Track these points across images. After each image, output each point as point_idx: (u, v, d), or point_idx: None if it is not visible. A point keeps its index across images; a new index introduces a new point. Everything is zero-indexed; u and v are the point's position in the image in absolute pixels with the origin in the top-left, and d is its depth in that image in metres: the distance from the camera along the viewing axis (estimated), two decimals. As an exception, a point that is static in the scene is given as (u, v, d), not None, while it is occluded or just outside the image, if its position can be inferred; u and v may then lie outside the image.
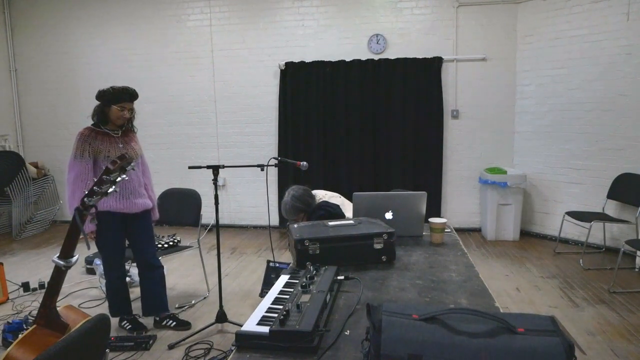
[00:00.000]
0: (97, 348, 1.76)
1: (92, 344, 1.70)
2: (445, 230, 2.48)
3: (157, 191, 3.64)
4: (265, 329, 1.29)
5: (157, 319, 3.42)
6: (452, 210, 5.95)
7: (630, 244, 3.88)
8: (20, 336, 1.87)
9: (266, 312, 1.42)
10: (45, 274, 4.45)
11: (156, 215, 3.41)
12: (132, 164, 2.10)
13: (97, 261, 4.14)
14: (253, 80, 6.13)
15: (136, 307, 3.46)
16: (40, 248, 5.58)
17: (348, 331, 1.38)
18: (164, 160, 6.41)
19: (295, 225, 2.15)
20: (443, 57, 5.71)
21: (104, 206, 3.02)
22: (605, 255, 4.90)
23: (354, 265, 1.97)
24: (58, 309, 2.01)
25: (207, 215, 5.03)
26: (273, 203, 6.18)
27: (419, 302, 1.62)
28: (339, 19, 5.89)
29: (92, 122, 3.10)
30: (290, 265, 2.08)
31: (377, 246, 1.98)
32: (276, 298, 1.54)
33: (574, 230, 5.24)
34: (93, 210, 2.01)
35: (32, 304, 3.83)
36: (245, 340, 1.29)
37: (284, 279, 1.73)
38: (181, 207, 4.06)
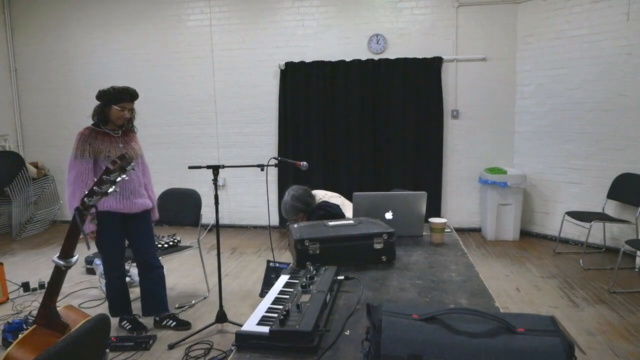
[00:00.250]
0: (97, 348, 1.76)
1: (92, 344, 1.70)
2: (445, 230, 2.48)
3: (157, 191, 3.64)
4: (265, 329, 1.28)
5: (157, 319, 3.42)
6: (452, 210, 5.95)
7: (630, 244, 3.88)
8: (20, 336, 1.87)
9: (266, 312, 1.42)
10: (45, 274, 4.45)
11: (156, 215, 3.42)
12: (132, 164, 2.10)
13: (97, 261, 4.14)
14: (253, 80, 6.13)
15: (136, 307, 3.46)
16: (40, 248, 5.57)
17: (348, 331, 1.38)
18: (164, 160, 6.41)
19: (295, 225, 2.15)
20: (443, 57, 5.71)
21: (104, 206, 3.02)
22: (605, 255, 4.90)
23: (354, 265, 1.97)
24: (58, 309, 2.01)
25: (207, 215, 5.03)
26: (273, 203, 6.18)
27: (419, 302, 1.62)
28: (339, 19, 5.89)
29: (92, 122, 3.10)
30: (290, 265, 2.07)
31: (377, 246, 1.98)
32: (276, 298, 1.54)
33: (574, 230, 5.24)
34: (93, 210, 2.01)
35: (32, 304, 3.83)
36: (245, 340, 1.29)
37: (284, 279, 1.73)
38: (181, 207, 4.07)
